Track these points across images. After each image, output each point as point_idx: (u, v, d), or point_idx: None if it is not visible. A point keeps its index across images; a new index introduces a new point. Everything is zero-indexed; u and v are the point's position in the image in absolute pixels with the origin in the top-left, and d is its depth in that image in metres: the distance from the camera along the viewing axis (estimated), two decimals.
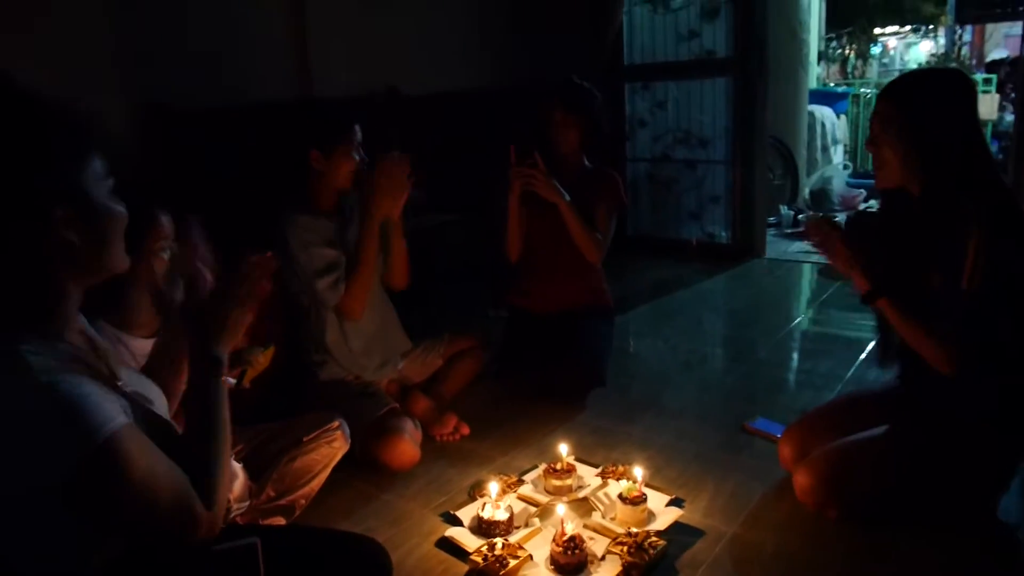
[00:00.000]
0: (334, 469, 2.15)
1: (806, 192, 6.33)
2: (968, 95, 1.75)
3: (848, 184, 6.79)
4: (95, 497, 1.08)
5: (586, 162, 2.99)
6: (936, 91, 1.76)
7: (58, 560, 1.15)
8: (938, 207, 1.74)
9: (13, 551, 1.13)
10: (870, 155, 1.92)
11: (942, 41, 14.51)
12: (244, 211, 2.70)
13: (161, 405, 1.39)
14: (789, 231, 5.65)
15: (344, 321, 2.51)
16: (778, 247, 5.21)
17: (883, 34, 15.21)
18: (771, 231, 5.59)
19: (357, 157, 2.44)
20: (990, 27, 12.99)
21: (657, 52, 5.10)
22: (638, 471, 2.05)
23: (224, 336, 1.29)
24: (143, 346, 1.83)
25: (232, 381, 1.90)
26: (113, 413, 1.08)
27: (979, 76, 7.95)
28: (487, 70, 4.83)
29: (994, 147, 7.56)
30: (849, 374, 2.97)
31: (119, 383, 1.27)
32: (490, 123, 4.30)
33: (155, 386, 1.42)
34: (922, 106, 1.75)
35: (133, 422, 1.12)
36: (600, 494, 2.10)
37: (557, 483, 2.11)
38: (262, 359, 1.92)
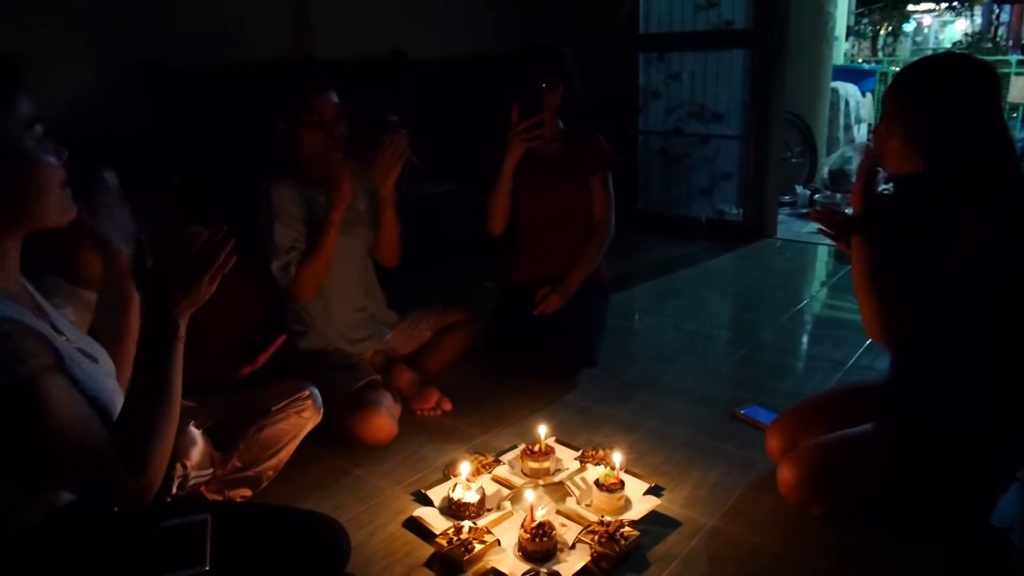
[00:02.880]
0: (307, 442, 2.10)
1: (824, 171, 6.15)
2: (984, 86, 1.61)
3: None
4: (8, 435, 1.04)
5: (560, 125, 2.88)
6: (945, 86, 1.62)
7: None
8: (941, 195, 1.63)
9: None
10: None
11: (978, 20, 14.08)
12: (231, 173, 2.64)
13: (107, 364, 1.35)
14: (804, 211, 5.52)
15: (324, 293, 2.44)
16: (791, 227, 5.08)
17: (917, 11, 14.78)
18: (785, 210, 5.47)
19: (326, 131, 2.30)
20: None
21: (674, 21, 4.92)
22: (617, 457, 1.97)
23: (185, 302, 1.24)
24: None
25: None
26: (36, 353, 1.04)
27: (1014, 57, 7.68)
28: (495, 35, 4.69)
29: None
30: (851, 361, 2.87)
31: (64, 337, 1.22)
32: (496, 90, 4.17)
33: (101, 347, 1.37)
34: (929, 104, 1.62)
35: (60, 369, 1.08)
36: (577, 479, 2.02)
37: (534, 465, 2.04)
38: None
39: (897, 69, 7.98)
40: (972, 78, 1.62)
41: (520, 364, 2.77)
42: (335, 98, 2.33)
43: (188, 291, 1.23)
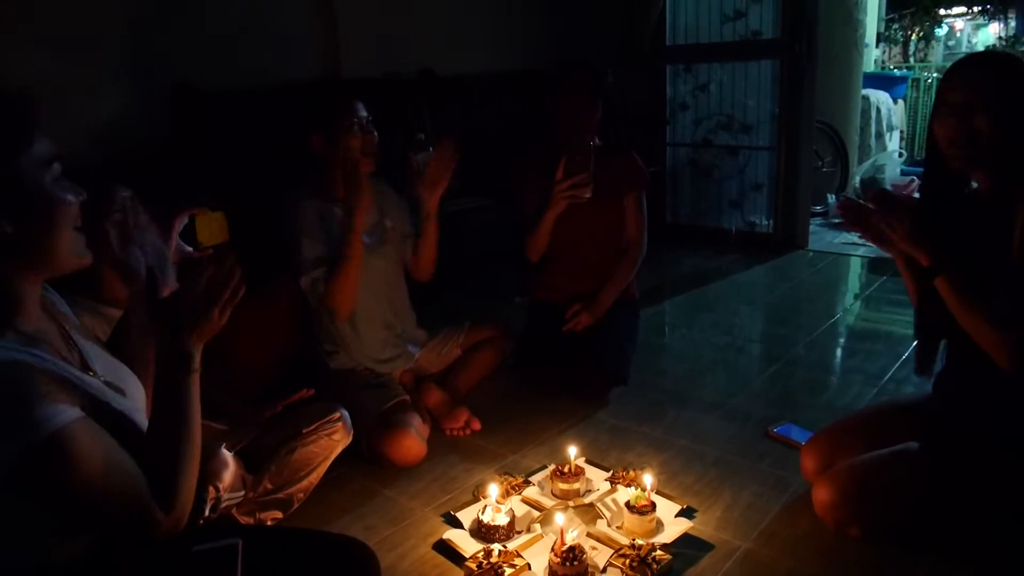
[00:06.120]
0: (338, 463, 2.10)
1: (856, 180, 6.07)
2: None
3: (902, 172, 6.49)
4: (41, 490, 1.05)
5: (596, 141, 2.84)
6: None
7: (13, 550, 1.11)
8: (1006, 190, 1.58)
9: None
10: (927, 138, 1.72)
11: (1013, 23, 13.79)
12: (262, 195, 2.66)
13: (137, 395, 1.36)
14: (836, 221, 5.45)
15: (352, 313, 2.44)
16: (823, 238, 5.00)
17: (949, 15, 14.53)
18: (817, 220, 5.39)
19: (362, 132, 2.34)
20: None
21: (701, 32, 4.90)
22: (648, 478, 1.95)
23: (196, 333, 1.23)
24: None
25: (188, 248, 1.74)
26: (65, 405, 1.04)
27: None
28: (522, 51, 4.70)
29: None
30: (888, 375, 2.81)
31: (92, 372, 1.23)
32: (524, 105, 4.18)
33: (133, 376, 1.38)
34: (1020, 82, 1.56)
35: (87, 416, 1.08)
36: (608, 500, 2.00)
37: (564, 487, 2.02)
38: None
39: (928, 75, 7.85)
40: None
41: (550, 381, 2.76)
42: (363, 108, 2.37)
43: (197, 323, 1.22)
